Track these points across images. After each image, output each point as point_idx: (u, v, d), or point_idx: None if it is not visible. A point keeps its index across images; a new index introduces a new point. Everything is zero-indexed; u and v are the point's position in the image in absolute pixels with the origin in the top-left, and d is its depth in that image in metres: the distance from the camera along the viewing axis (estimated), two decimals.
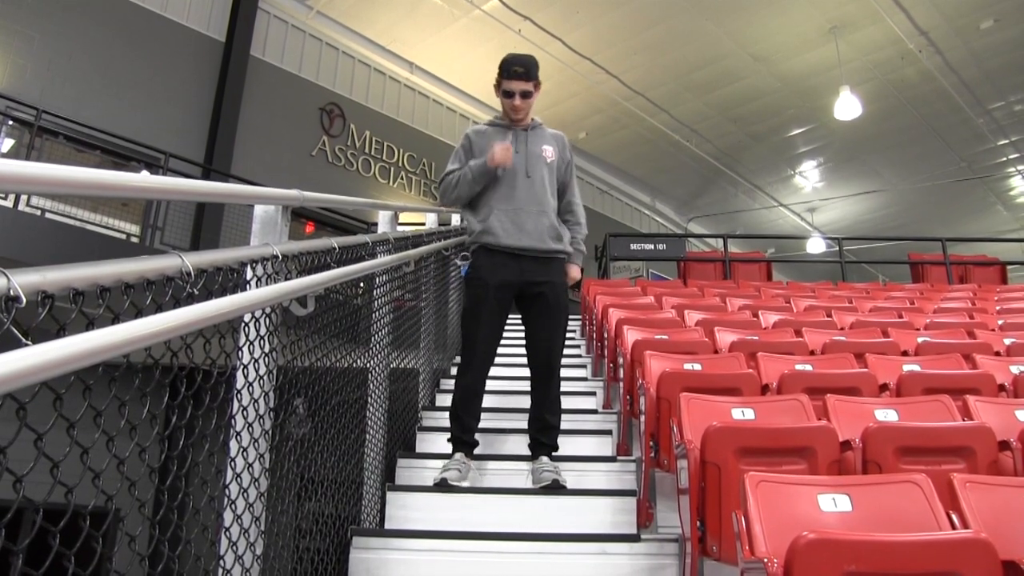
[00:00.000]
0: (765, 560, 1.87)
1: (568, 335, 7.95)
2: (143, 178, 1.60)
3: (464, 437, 3.65)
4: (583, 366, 6.35)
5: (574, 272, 3.92)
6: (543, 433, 3.67)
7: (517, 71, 3.68)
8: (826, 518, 2.18)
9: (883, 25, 12.50)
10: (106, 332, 1.21)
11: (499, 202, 3.71)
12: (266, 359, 2.21)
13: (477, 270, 3.72)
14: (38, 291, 1.16)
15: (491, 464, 3.78)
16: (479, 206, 3.80)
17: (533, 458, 3.65)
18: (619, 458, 3.92)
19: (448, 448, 3.71)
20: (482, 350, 3.67)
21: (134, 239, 9.31)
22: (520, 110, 3.76)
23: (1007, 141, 16.33)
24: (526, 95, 3.73)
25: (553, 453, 3.66)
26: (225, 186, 2.28)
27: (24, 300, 1.10)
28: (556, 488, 3.43)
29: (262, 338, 2.17)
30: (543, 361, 3.71)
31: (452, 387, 3.97)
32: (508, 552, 2.93)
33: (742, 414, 3.21)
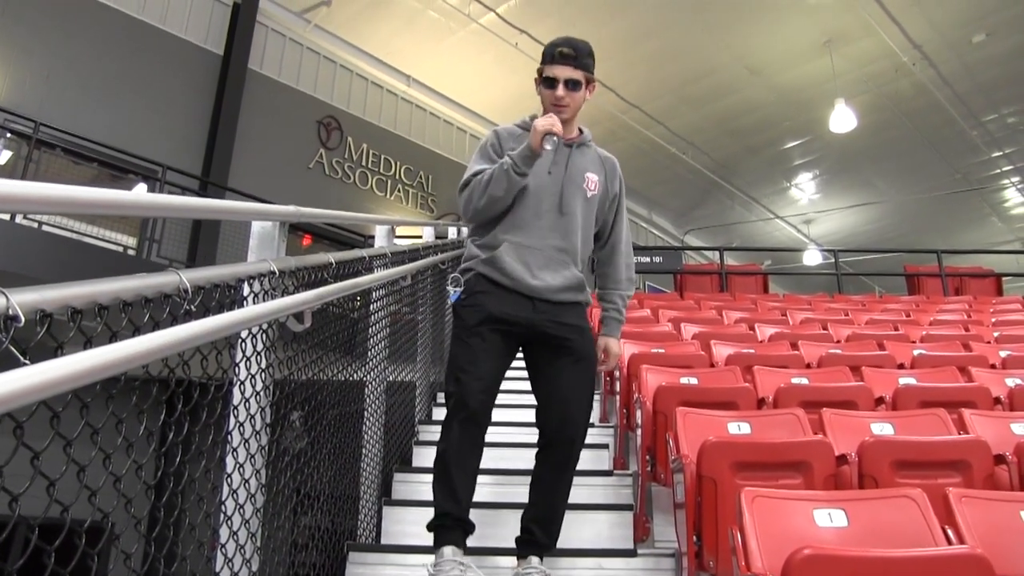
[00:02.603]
0: None
1: None
2: (142, 196, 1.61)
3: (454, 511, 2.67)
4: None
5: (610, 344, 3.02)
6: (545, 527, 2.77)
7: (563, 53, 2.79)
8: (822, 533, 2.19)
9: (877, 38, 12.58)
10: (104, 351, 1.21)
11: (512, 232, 2.80)
12: (263, 375, 2.21)
13: (475, 297, 2.79)
14: (36, 310, 1.16)
15: (488, 478, 3.75)
16: (485, 230, 2.89)
17: (519, 556, 2.77)
18: (615, 472, 3.92)
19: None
20: (478, 400, 2.68)
21: (131, 252, 9.31)
22: (564, 104, 2.80)
23: (1001, 153, 16.41)
24: (573, 86, 2.79)
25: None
26: (223, 203, 2.29)
27: (23, 319, 1.10)
28: None
29: (259, 354, 2.18)
30: (565, 437, 2.76)
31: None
32: (504, 568, 2.92)
33: (738, 428, 3.22)
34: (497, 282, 2.78)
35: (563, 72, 2.79)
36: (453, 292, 2.90)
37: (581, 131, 2.99)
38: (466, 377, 2.70)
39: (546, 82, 2.83)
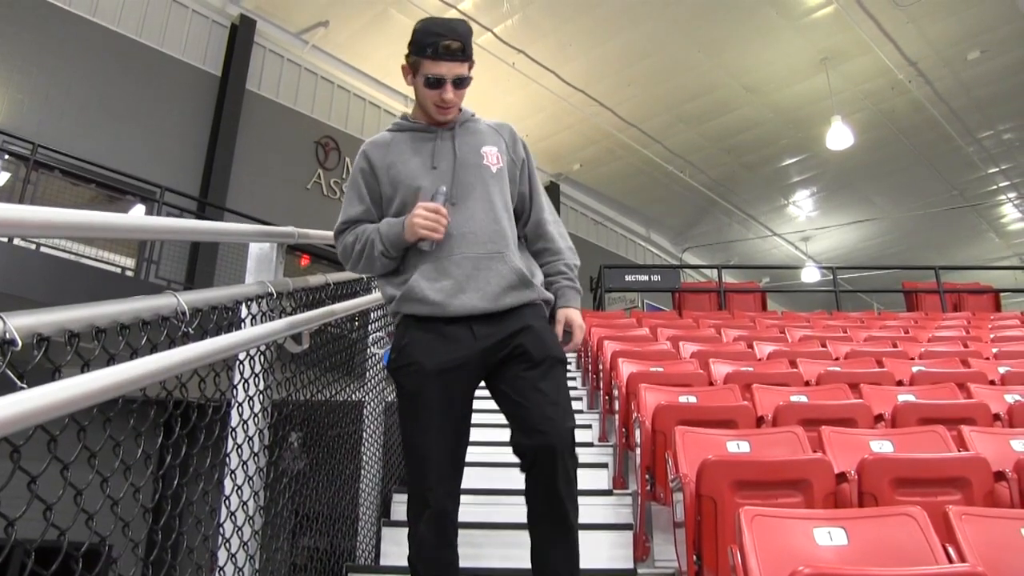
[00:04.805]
0: None
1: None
2: (141, 219, 1.62)
3: None
4: (579, 398, 6.34)
5: (571, 316, 2.45)
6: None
7: (451, 48, 2.27)
8: (822, 552, 2.18)
9: (873, 56, 12.65)
10: (101, 374, 1.21)
11: (426, 252, 2.30)
12: (261, 396, 2.21)
13: (405, 353, 2.27)
14: (33, 334, 1.16)
15: (484, 497, 3.74)
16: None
17: None
18: (615, 491, 3.91)
19: None
20: (439, 493, 2.19)
21: (129, 273, 9.31)
22: (451, 108, 2.37)
23: (997, 169, 16.46)
24: (460, 83, 2.33)
25: None
26: (222, 226, 2.30)
27: (20, 343, 1.11)
28: None
29: (257, 375, 2.18)
30: (548, 465, 2.16)
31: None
32: None
33: (737, 447, 3.21)
34: (422, 316, 2.27)
35: (451, 69, 2.29)
36: (382, 354, 2.39)
37: (463, 111, 2.49)
38: (421, 466, 2.21)
39: (428, 82, 2.30)
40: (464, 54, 2.30)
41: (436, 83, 2.29)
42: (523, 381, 2.22)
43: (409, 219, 2.24)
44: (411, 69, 2.34)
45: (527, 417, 2.18)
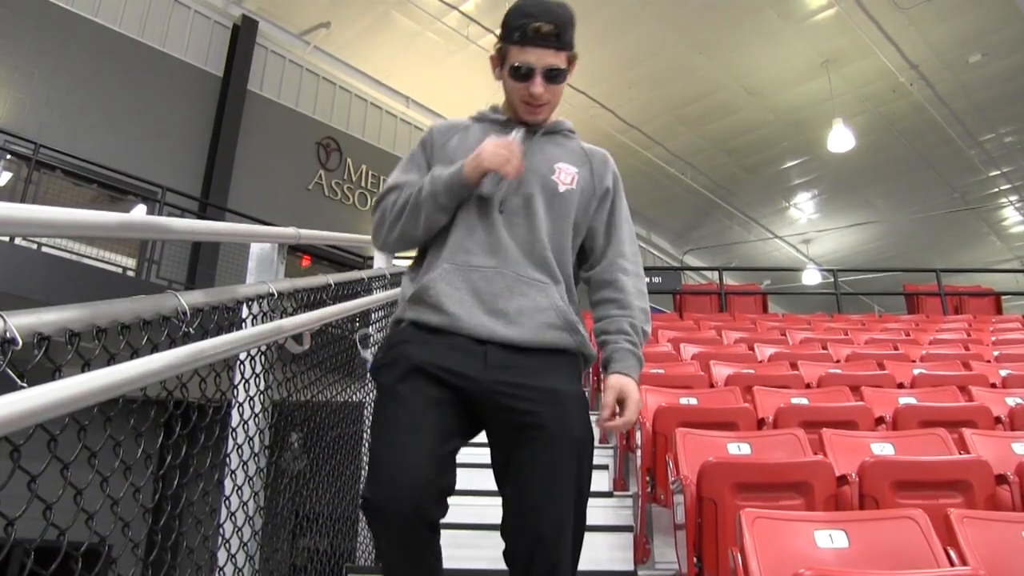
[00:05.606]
0: None
1: None
2: (142, 219, 1.62)
3: None
4: None
5: (627, 387, 1.89)
6: None
7: (541, 31, 1.84)
8: (823, 555, 2.18)
9: (874, 58, 12.65)
10: (101, 374, 1.21)
11: (457, 252, 1.86)
12: (261, 396, 2.21)
13: (394, 349, 1.84)
14: (34, 333, 1.16)
15: (480, 499, 3.71)
16: (420, 257, 1.99)
17: None
18: (616, 493, 3.91)
19: None
20: (410, 501, 1.63)
21: (130, 273, 9.31)
22: (542, 107, 1.95)
23: (998, 172, 16.45)
24: (555, 76, 1.90)
25: None
26: (224, 226, 2.30)
27: (21, 342, 1.10)
28: None
29: (257, 375, 2.18)
30: (541, 568, 1.74)
31: None
32: None
33: (738, 449, 3.21)
34: (430, 325, 1.82)
35: (542, 58, 1.86)
36: (370, 356, 1.93)
37: (560, 121, 2.09)
38: (386, 471, 1.68)
39: (515, 72, 1.88)
40: (560, 40, 1.87)
41: (522, 73, 1.88)
42: (532, 471, 1.75)
43: (475, 152, 1.82)
44: (499, 59, 1.95)
45: (525, 523, 1.75)
